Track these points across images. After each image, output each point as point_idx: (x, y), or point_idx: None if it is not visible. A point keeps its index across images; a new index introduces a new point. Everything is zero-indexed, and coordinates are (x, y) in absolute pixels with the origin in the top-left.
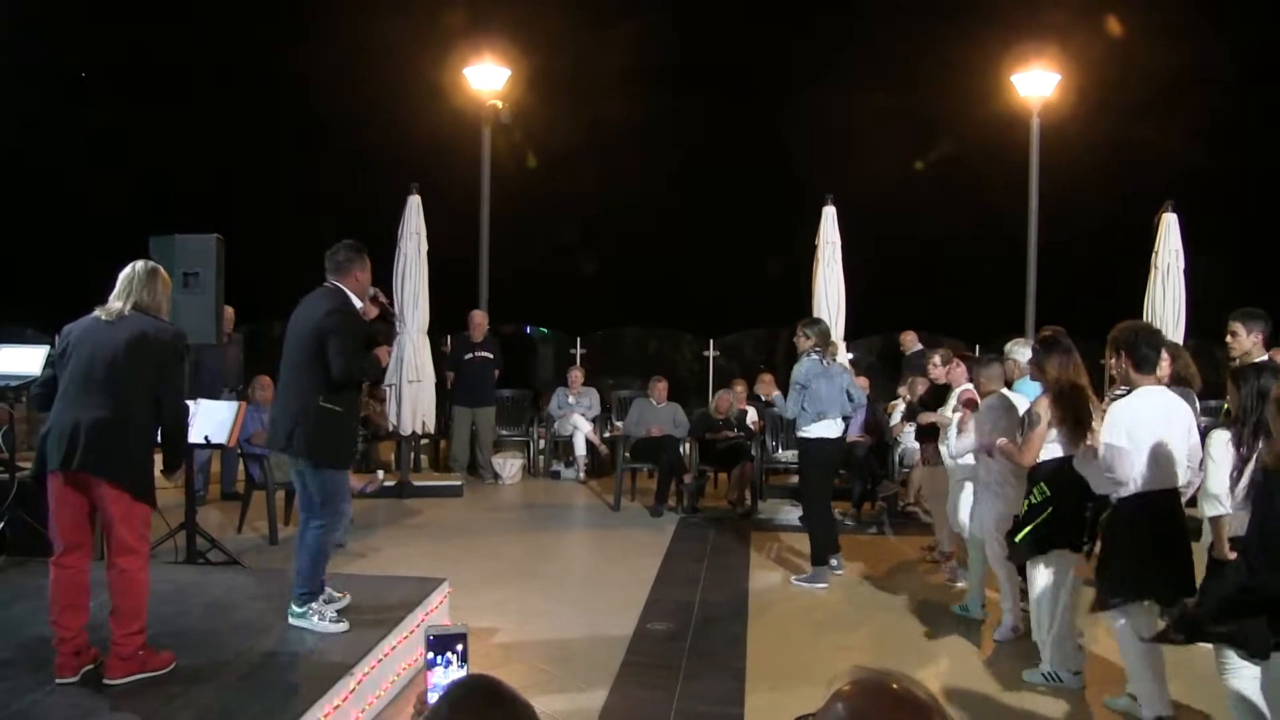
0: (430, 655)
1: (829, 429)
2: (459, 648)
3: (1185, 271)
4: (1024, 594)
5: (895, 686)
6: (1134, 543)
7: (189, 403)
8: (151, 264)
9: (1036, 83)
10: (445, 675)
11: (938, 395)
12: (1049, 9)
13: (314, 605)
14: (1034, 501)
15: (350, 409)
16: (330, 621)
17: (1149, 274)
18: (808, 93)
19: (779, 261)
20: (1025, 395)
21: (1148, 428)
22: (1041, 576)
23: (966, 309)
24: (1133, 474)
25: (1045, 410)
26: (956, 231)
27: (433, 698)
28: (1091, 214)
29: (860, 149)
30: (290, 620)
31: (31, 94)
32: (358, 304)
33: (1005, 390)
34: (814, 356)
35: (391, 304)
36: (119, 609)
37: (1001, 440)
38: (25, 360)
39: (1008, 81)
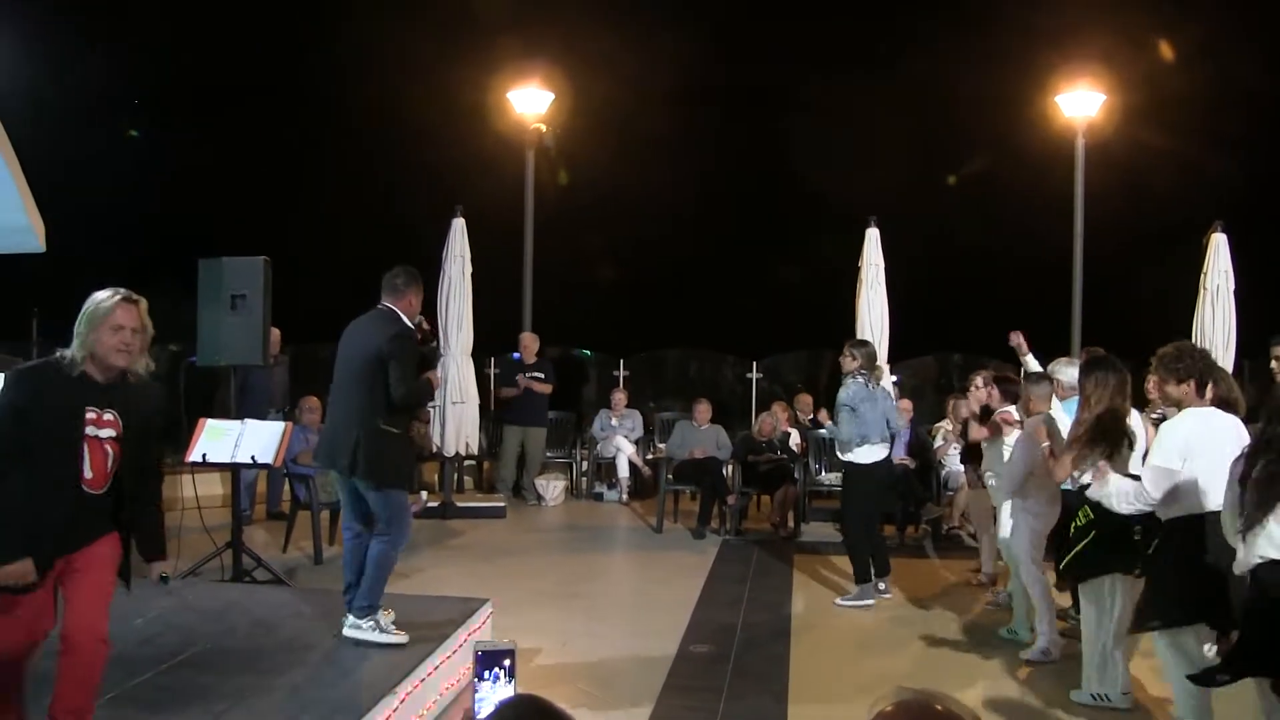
0: (478, 670)
1: (871, 453)
2: (506, 663)
3: (1235, 293)
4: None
5: (939, 708)
6: (1187, 566)
7: (233, 425)
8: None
9: (1081, 103)
10: (493, 691)
11: (983, 417)
12: (1093, 29)
13: (376, 618)
14: (1079, 524)
15: (405, 430)
16: (391, 633)
17: (1198, 295)
18: (850, 113)
19: (822, 283)
20: (1069, 415)
21: (1205, 447)
22: (1086, 599)
23: (1011, 330)
24: (1177, 495)
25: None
26: (1001, 252)
27: (479, 710)
28: (1138, 234)
29: (904, 169)
30: (345, 632)
31: (83, 117)
32: (410, 327)
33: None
34: (860, 379)
35: (435, 332)
36: None
37: (1045, 446)
38: None
39: (1052, 102)
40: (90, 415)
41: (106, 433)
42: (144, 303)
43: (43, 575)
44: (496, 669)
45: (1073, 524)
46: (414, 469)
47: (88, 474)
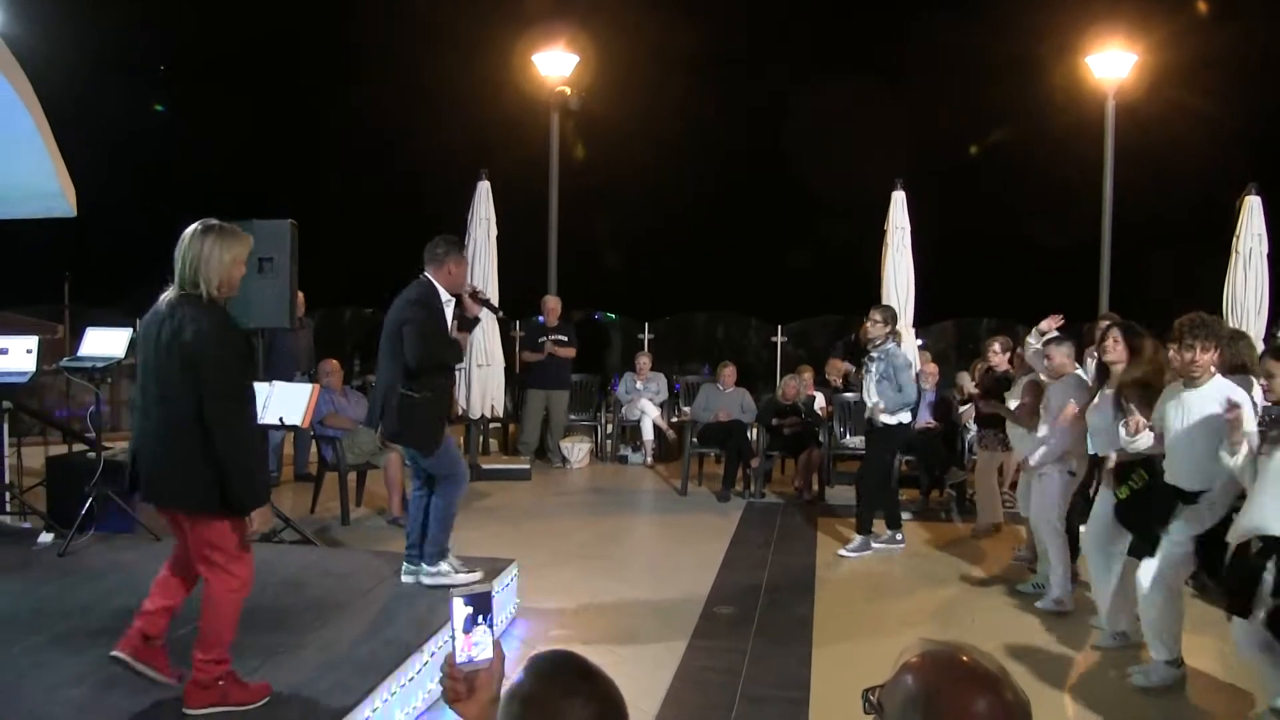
0: (465, 623)
1: (906, 414)
2: (489, 612)
3: (1269, 256)
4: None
5: (965, 658)
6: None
7: (262, 387)
8: (204, 224)
9: (1112, 64)
10: (482, 636)
11: (999, 382)
12: None
13: (445, 562)
14: (1135, 487)
15: (434, 394)
16: (466, 572)
17: (1229, 259)
18: (878, 76)
19: (847, 247)
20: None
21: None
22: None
23: (1039, 295)
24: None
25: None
26: (1029, 216)
27: (461, 658)
28: (1169, 197)
29: (931, 133)
30: (423, 580)
31: (113, 83)
32: (446, 296)
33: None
34: (893, 343)
35: (480, 297)
36: (200, 630)
37: (1070, 407)
38: (110, 343)
39: (1082, 64)
40: None
41: None
42: None
43: None
44: (482, 614)
45: (1125, 488)
46: (441, 431)
47: None
